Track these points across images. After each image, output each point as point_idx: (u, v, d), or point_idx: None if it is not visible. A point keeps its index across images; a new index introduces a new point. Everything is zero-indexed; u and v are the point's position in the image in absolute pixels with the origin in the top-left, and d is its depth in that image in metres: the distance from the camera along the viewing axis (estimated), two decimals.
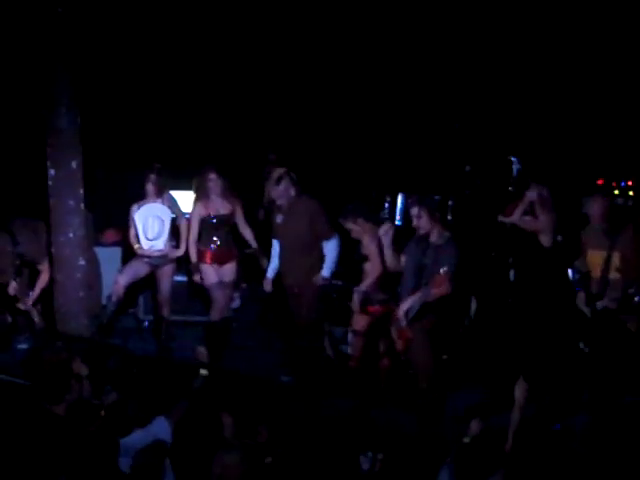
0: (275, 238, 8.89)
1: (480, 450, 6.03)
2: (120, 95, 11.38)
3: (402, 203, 10.28)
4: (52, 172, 8.56)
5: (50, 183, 8.59)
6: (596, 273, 7.47)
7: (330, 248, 8.69)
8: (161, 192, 9.11)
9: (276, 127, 11.77)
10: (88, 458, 5.21)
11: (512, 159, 10.05)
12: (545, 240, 8.22)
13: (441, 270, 7.44)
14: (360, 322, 8.34)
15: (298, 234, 8.62)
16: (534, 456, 6.30)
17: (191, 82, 11.71)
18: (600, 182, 10.46)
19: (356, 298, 8.34)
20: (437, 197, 9.68)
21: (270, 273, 8.90)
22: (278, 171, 8.84)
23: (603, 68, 10.19)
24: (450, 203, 10.02)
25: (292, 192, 8.68)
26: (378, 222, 8.46)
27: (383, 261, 8.12)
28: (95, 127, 9.53)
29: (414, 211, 7.87)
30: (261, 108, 11.86)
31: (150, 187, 9.05)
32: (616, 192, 10.48)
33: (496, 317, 8.66)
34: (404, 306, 7.57)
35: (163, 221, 9.04)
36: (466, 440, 6.04)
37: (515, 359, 7.64)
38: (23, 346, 8.95)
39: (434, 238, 7.75)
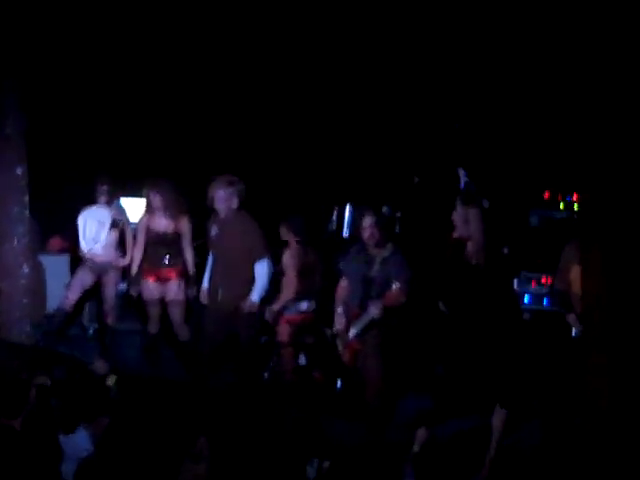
0: (210, 250, 8.61)
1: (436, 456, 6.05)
2: (69, 101, 11.25)
3: (350, 214, 10.29)
4: None
5: None
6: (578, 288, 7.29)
7: (260, 271, 8.37)
8: (110, 201, 9.02)
9: (225, 137, 11.71)
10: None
11: (459, 171, 10.10)
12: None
13: (394, 285, 7.40)
14: (282, 333, 8.29)
15: (231, 250, 8.32)
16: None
17: (139, 89, 11.59)
18: (547, 195, 10.59)
19: (268, 316, 8.34)
20: (386, 208, 9.72)
21: (205, 284, 8.60)
22: (231, 177, 8.39)
23: (549, 80, 10.29)
24: (398, 215, 10.06)
25: (234, 203, 8.32)
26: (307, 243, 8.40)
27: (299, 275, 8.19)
28: (42, 134, 9.43)
29: (368, 221, 7.74)
30: (210, 115, 11.77)
31: (101, 198, 8.98)
32: (561, 206, 10.63)
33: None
34: (355, 328, 7.53)
35: (103, 224, 9.00)
36: (415, 449, 6.03)
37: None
38: None
39: (381, 251, 7.65)
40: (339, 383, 8.20)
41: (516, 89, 10.84)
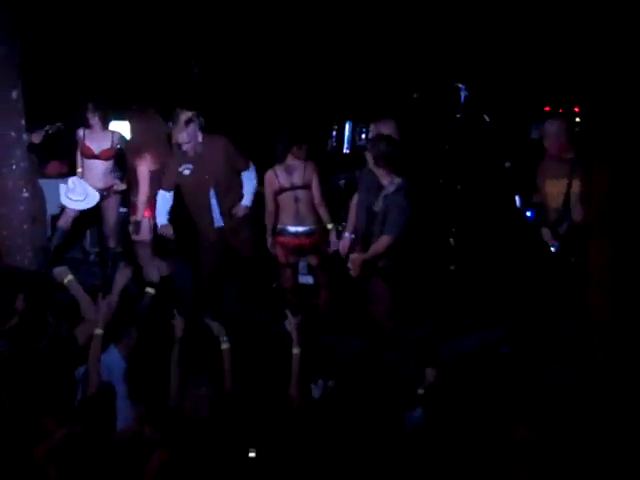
0: (184, 190, 8.31)
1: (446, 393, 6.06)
2: (63, 25, 11.07)
3: (350, 131, 10.20)
4: None
5: None
6: (555, 204, 7.11)
7: (248, 177, 8.29)
8: (104, 123, 8.94)
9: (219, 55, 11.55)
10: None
11: (459, 86, 10.00)
12: None
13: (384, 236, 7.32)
14: (278, 255, 8.17)
15: (216, 176, 8.16)
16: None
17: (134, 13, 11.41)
18: (547, 109, 10.49)
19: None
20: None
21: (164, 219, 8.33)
22: (186, 114, 8.11)
23: None
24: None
25: (199, 137, 8.13)
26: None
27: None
28: (37, 57, 9.32)
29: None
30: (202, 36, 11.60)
31: (92, 118, 8.87)
32: None
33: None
34: (357, 259, 7.47)
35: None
36: (420, 392, 5.99)
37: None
38: None
39: (385, 184, 7.44)
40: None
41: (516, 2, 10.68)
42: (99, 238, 9.41)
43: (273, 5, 11.31)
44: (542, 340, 7.12)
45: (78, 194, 8.87)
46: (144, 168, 8.47)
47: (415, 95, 10.04)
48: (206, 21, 11.44)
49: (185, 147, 8.12)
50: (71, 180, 8.94)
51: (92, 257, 9.78)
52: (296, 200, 7.99)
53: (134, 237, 8.58)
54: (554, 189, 7.13)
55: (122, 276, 6.65)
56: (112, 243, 9.09)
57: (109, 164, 9.01)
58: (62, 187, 8.96)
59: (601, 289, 5.02)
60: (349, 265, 7.50)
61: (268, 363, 6.61)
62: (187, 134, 8.06)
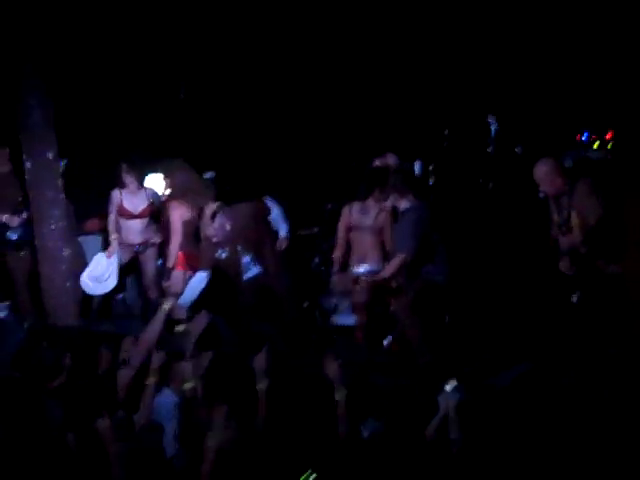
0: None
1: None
2: (95, 85, 11.25)
3: (420, 170, 10.13)
4: (28, 164, 8.51)
5: (27, 176, 8.54)
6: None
7: (276, 213, 8.70)
8: (140, 182, 9.03)
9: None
10: None
11: (489, 119, 10.04)
12: None
13: (397, 256, 7.52)
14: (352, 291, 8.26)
15: (249, 238, 8.51)
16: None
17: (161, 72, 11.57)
18: (579, 137, 10.50)
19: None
20: (419, 162, 9.69)
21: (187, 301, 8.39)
22: (210, 208, 8.43)
23: (578, 21, 10.14)
24: (430, 168, 10.01)
25: (227, 227, 8.40)
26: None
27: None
28: (69, 117, 9.45)
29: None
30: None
31: (127, 178, 8.97)
32: (595, 145, 10.53)
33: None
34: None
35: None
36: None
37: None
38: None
39: (401, 205, 7.78)
40: (386, 341, 8.19)
41: (547, 30, 10.69)
42: (139, 290, 9.45)
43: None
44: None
45: (99, 275, 8.92)
46: (177, 218, 8.55)
47: (446, 131, 10.09)
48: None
49: (215, 240, 8.36)
50: (96, 260, 8.96)
51: (136, 310, 9.82)
52: (364, 240, 8.08)
53: (165, 286, 8.65)
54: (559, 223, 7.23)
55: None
56: (153, 294, 9.14)
57: (146, 220, 9.10)
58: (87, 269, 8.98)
59: None
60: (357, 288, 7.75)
61: (316, 406, 6.59)
62: (215, 229, 8.32)
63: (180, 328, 6.57)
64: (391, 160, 8.30)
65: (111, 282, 8.94)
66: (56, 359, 6.05)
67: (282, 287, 8.64)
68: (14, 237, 8.99)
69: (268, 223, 8.75)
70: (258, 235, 8.55)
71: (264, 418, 5.99)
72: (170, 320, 6.52)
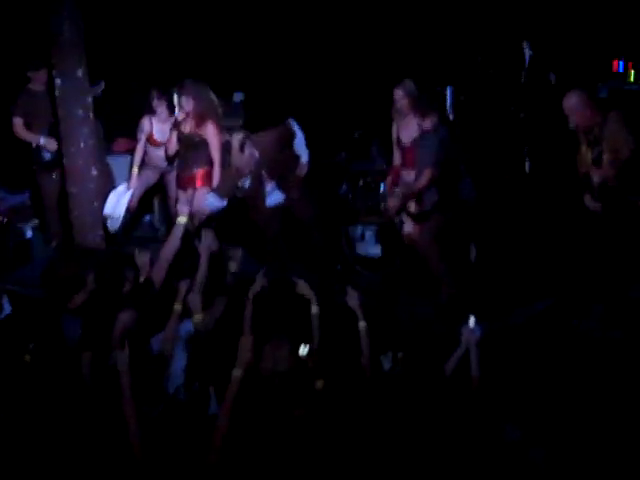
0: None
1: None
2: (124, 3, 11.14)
3: (451, 97, 10.05)
4: (58, 82, 8.47)
5: (57, 93, 8.51)
6: (588, 168, 7.14)
7: (300, 138, 8.63)
8: (170, 110, 8.95)
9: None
10: None
11: (523, 45, 9.86)
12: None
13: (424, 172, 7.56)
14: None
15: (272, 166, 8.42)
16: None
17: None
18: (615, 67, 10.30)
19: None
20: (450, 88, 9.58)
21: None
22: (237, 138, 8.28)
23: None
24: (462, 97, 9.90)
25: (256, 155, 8.28)
26: None
27: None
28: (100, 35, 9.38)
29: (398, 94, 7.95)
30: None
31: (159, 106, 8.94)
32: (631, 77, 10.34)
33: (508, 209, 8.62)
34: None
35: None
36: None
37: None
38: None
39: (421, 122, 7.86)
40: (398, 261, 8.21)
41: None
42: (167, 214, 9.47)
43: None
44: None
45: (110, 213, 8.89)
46: (217, 138, 8.46)
47: (479, 58, 9.94)
48: None
49: (246, 171, 8.24)
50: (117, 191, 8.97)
51: (161, 233, 9.86)
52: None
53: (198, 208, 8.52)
54: (590, 156, 7.12)
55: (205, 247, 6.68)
56: None
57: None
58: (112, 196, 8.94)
59: None
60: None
61: (338, 336, 6.64)
62: (246, 160, 8.20)
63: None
64: (409, 86, 8.16)
65: (119, 215, 8.89)
66: (79, 278, 6.11)
67: (307, 214, 8.63)
68: (47, 157, 9.03)
69: (292, 148, 8.65)
70: (283, 161, 8.48)
71: (319, 342, 6.05)
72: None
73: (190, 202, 8.16)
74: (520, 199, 8.64)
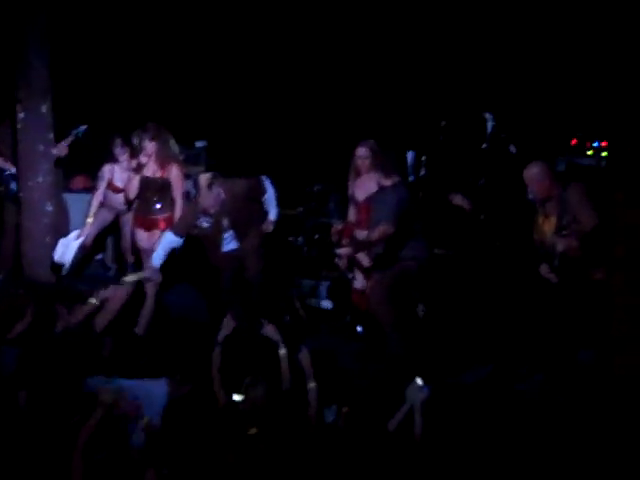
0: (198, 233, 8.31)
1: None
2: (95, 42, 11.16)
3: (412, 160, 10.15)
4: (21, 115, 8.48)
5: (19, 126, 8.50)
6: (547, 239, 7.13)
7: (270, 194, 8.52)
8: (132, 158, 8.85)
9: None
10: None
11: (486, 115, 9.99)
12: None
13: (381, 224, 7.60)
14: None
15: (236, 217, 8.24)
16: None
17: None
18: (574, 142, 10.46)
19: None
20: (411, 152, 9.65)
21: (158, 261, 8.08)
22: (206, 177, 8.15)
23: (578, 24, 10.10)
24: (423, 158, 9.97)
25: (222, 195, 8.10)
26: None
27: None
28: (67, 73, 9.39)
29: (361, 152, 7.95)
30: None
31: (121, 155, 8.92)
32: (589, 152, 10.51)
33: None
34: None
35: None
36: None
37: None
38: None
39: (382, 179, 7.87)
40: (359, 328, 8.20)
41: (544, 35, 10.66)
42: (118, 254, 9.42)
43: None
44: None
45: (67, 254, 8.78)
46: (180, 179, 8.49)
47: (442, 123, 10.04)
48: None
49: (212, 211, 8.10)
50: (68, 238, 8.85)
51: (112, 272, 9.80)
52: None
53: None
54: (547, 227, 7.17)
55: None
56: (131, 258, 9.12)
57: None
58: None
59: (628, 319, 5.12)
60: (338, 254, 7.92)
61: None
62: (213, 199, 8.02)
63: None
64: (372, 145, 8.22)
65: (67, 261, 8.78)
66: (19, 310, 6.12)
67: (255, 268, 8.50)
68: (14, 189, 8.94)
69: (261, 203, 8.59)
70: (248, 214, 8.38)
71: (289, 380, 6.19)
72: None
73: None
74: (475, 263, 8.68)
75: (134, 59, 11.25)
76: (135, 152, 8.72)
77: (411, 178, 10.20)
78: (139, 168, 8.54)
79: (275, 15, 11.35)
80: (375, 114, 11.03)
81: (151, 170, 8.51)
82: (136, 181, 8.55)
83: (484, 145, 9.80)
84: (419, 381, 5.89)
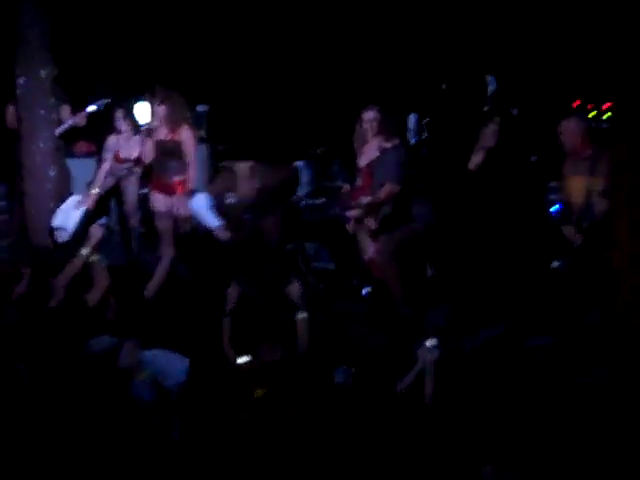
0: None
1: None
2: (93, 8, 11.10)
3: (415, 123, 10.16)
4: (21, 81, 8.43)
5: (19, 92, 8.46)
6: (577, 200, 7.15)
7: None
8: (134, 129, 8.92)
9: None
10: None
11: (488, 78, 9.98)
12: None
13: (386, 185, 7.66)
14: None
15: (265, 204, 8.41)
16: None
17: None
18: (576, 104, 10.45)
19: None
20: (414, 115, 9.65)
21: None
22: (247, 165, 8.42)
23: None
24: (425, 121, 9.98)
25: (258, 185, 8.34)
26: None
27: None
28: (68, 36, 9.33)
29: (369, 115, 7.94)
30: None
31: (122, 125, 8.89)
32: (590, 115, 10.50)
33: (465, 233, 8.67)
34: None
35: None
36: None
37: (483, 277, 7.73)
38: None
39: (383, 142, 7.88)
40: (365, 290, 8.21)
41: None
42: (120, 217, 9.42)
43: None
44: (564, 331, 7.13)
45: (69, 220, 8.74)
46: (192, 142, 8.50)
47: (443, 86, 10.03)
48: None
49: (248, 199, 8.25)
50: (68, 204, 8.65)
51: (117, 235, 9.80)
52: None
53: (182, 212, 8.50)
54: (575, 186, 7.18)
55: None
56: (134, 222, 9.14)
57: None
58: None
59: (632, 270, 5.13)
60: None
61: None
62: (251, 188, 8.24)
63: None
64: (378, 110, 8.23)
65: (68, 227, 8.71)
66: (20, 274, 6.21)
67: (273, 240, 8.52)
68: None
69: (292, 192, 8.72)
70: (276, 202, 8.42)
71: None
72: None
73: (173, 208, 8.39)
74: (480, 224, 8.69)
75: (135, 24, 11.20)
76: (137, 126, 8.82)
77: (413, 140, 10.22)
78: (151, 132, 8.57)
79: None
80: (377, 78, 11.01)
81: (163, 133, 8.51)
82: (150, 145, 8.59)
83: (486, 107, 9.80)
84: (430, 342, 5.91)
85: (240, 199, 8.23)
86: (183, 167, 8.47)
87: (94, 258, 6.78)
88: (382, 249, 7.73)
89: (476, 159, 7.94)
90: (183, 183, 8.46)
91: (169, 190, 8.51)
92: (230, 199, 8.33)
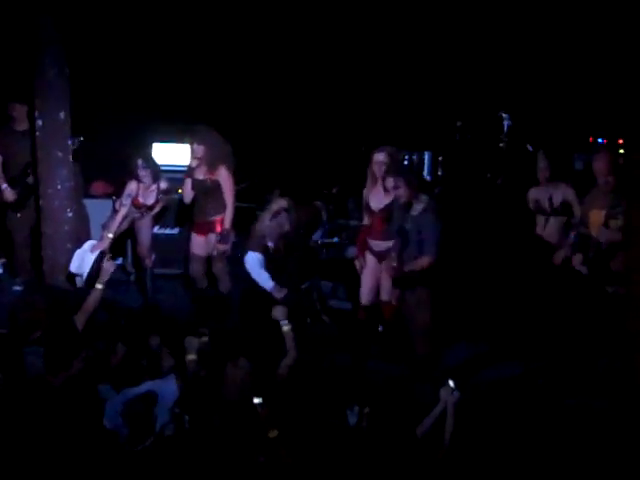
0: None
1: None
2: (112, 43, 11.21)
3: (429, 161, 10.17)
4: (39, 123, 8.51)
5: (37, 134, 8.55)
6: (595, 233, 7.09)
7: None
8: (154, 178, 8.97)
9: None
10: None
11: (503, 115, 10.01)
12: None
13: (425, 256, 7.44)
14: None
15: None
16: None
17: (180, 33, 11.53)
18: (591, 140, 10.45)
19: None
20: (428, 153, 9.67)
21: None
22: (280, 204, 8.06)
23: (595, 20, 10.08)
24: (440, 159, 10.01)
25: (286, 227, 8.00)
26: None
27: None
28: (86, 79, 9.43)
29: (379, 157, 7.86)
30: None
31: (144, 176, 8.89)
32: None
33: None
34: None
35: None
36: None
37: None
38: (18, 288, 9.05)
39: (414, 205, 7.56)
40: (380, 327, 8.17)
41: (563, 34, 10.64)
42: (136, 259, 9.46)
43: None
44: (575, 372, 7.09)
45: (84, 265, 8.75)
46: (230, 182, 8.57)
47: (458, 123, 10.07)
48: None
49: (268, 240, 8.01)
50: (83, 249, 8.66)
51: (133, 277, 9.83)
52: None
53: (221, 248, 8.58)
54: (595, 219, 7.14)
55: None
56: (149, 263, 9.16)
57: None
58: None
59: None
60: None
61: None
62: (271, 227, 7.96)
63: None
64: (391, 151, 8.15)
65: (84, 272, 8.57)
66: (38, 317, 6.25)
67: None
68: (11, 198, 9.01)
69: (314, 230, 8.81)
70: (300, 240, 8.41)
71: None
72: None
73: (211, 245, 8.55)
74: (496, 260, 8.68)
75: (149, 64, 11.31)
76: (157, 174, 8.94)
77: (428, 178, 10.24)
78: (191, 172, 8.68)
79: (284, 21, 11.41)
80: (391, 115, 11.06)
81: (202, 173, 8.61)
82: (189, 184, 8.69)
83: (501, 144, 9.82)
84: (451, 383, 5.86)
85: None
86: (221, 206, 8.57)
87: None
88: (418, 301, 7.61)
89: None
90: (222, 222, 8.56)
91: (208, 230, 8.62)
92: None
